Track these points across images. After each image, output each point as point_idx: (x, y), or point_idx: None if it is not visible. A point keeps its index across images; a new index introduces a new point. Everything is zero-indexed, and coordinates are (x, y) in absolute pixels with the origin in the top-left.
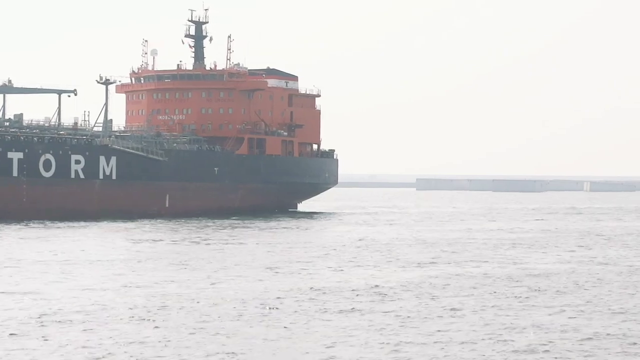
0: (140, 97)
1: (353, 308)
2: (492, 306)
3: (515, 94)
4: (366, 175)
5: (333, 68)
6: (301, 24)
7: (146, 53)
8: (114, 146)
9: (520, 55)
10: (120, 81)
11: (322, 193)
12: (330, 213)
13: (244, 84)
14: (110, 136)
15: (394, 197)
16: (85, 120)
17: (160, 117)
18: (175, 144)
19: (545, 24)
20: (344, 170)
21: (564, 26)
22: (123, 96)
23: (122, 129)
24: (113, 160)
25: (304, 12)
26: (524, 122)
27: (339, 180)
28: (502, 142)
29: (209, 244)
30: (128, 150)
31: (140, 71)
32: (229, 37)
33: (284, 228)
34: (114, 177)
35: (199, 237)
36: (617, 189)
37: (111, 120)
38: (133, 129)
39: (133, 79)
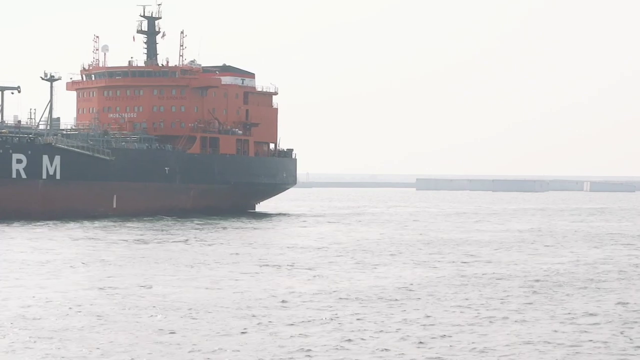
0: (90, 95)
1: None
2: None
3: (515, 93)
4: (367, 175)
5: (328, 64)
6: (266, 19)
7: (97, 49)
8: (57, 145)
9: (518, 55)
10: (72, 78)
11: (281, 193)
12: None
13: (197, 81)
14: (56, 134)
15: (394, 197)
16: (30, 119)
17: (111, 115)
18: (123, 143)
19: (543, 17)
20: (342, 170)
21: (562, 24)
22: (74, 94)
23: (72, 127)
24: (57, 159)
25: (270, 8)
26: (524, 121)
27: (342, 180)
28: (501, 142)
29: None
30: (73, 149)
31: (91, 68)
32: (182, 32)
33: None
34: (57, 177)
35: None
36: (617, 189)
37: (58, 118)
38: (81, 127)
39: (84, 75)
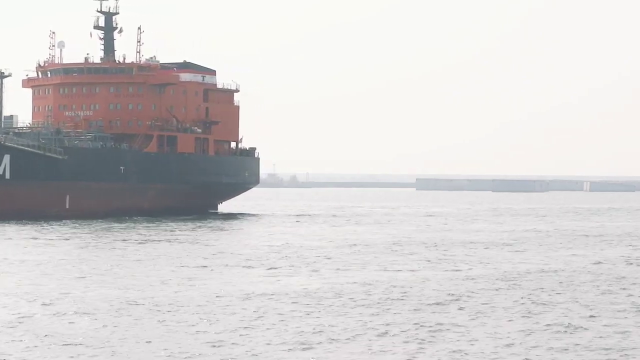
0: (46, 92)
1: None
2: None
3: (514, 93)
4: (367, 176)
5: (329, 64)
6: (266, 18)
7: (53, 45)
8: (7, 143)
9: (517, 54)
10: (27, 75)
11: (243, 193)
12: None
13: (154, 78)
14: (7, 133)
15: (394, 196)
16: None
17: (67, 113)
18: (77, 142)
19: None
20: (342, 170)
21: (563, 23)
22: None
23: (26, 125)
24: (6, 158)
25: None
26: (523, 121)
27: (342, 180)
28: (501, 142)
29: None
30: (23, 147)
31: (46, 64)
32: (139, 28)
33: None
34: (7, 176)
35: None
36: (617, 189)
37: (11, 116)
38: (34, 125)
39: (39, 72)
